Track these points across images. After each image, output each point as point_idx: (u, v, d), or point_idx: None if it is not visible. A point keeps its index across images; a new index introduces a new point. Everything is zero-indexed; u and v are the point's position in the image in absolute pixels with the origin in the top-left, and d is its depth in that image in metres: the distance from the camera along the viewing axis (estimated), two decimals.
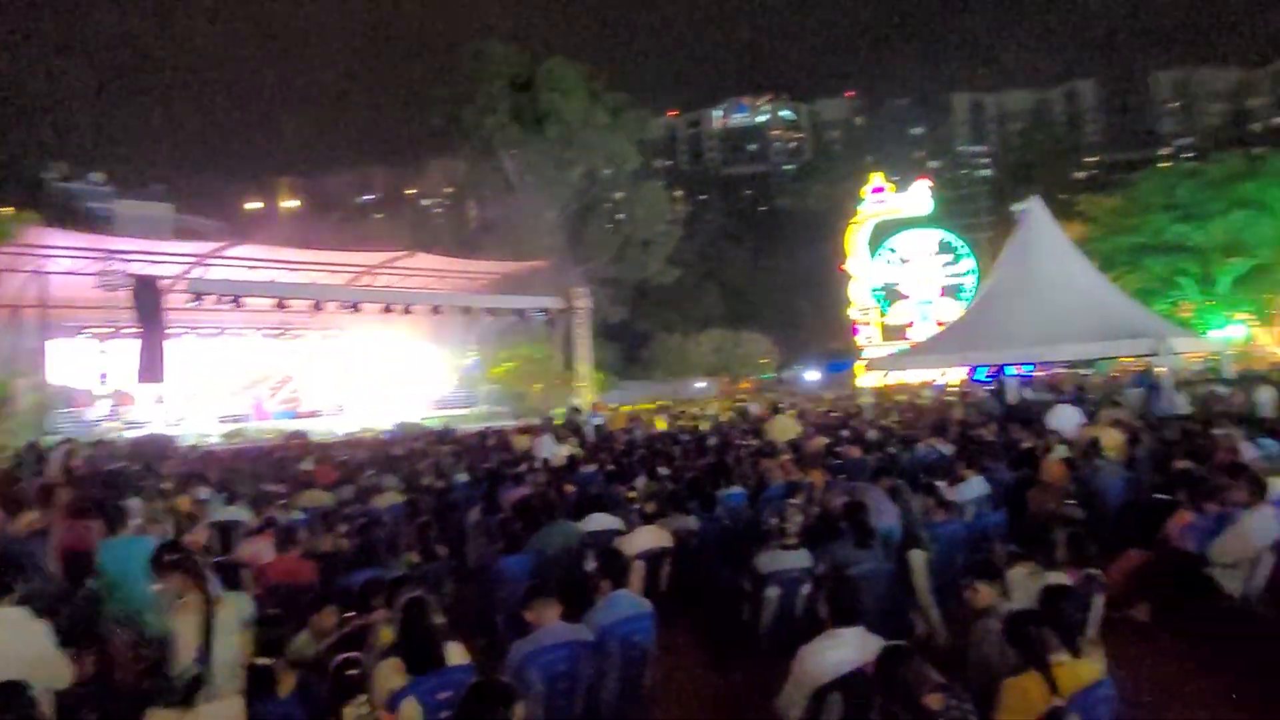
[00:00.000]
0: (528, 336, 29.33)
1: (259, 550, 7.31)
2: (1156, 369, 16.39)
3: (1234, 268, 36.17)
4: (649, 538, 7.09)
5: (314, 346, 29.24)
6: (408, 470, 12.83)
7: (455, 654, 4.46)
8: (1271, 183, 34.81)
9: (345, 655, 4.41)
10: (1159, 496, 7.88)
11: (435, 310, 25.72)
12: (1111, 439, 10.62)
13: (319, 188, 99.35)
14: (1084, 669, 3.81)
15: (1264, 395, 15.85)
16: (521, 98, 40.92)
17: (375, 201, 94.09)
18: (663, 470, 10.65)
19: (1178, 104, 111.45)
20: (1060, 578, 5.04)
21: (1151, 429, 11.86)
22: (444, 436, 18.36)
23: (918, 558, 6.34)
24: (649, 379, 45.94)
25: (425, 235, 37.90)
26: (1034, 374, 23.79)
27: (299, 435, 19.88)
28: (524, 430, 17.89)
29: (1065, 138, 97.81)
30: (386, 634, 4.79)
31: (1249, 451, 9.14)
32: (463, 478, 11.74)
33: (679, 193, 66.99)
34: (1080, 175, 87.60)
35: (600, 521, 7.75)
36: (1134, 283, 35.06)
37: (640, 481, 9.94)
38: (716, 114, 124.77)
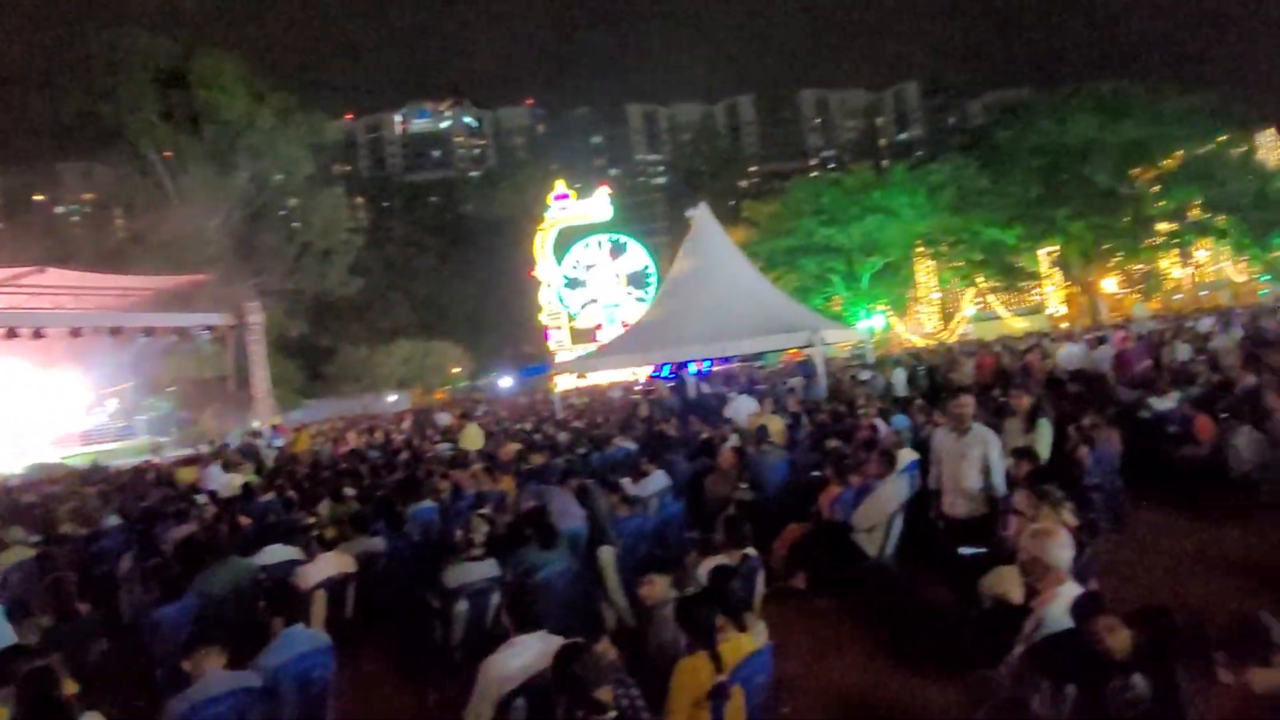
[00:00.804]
0: (194, 357, 26.77)
1: None
2: (814, 358, 18.13)
3: (872, 265, 41.22)
4: (330, 565, 6.68)
5: None
6: (42, 518, 11.16)
7: None
8: (897, 191, 40.16)
9: None
10: (814, 474, 8.74)
11: (75, 333, 22.61)
12: (775, 425, 11.60)
13: None
14: (746, 642, 4.08)
15: (898, 376, 18.10)
16: (174, 94, 37.17)
17: None
18: (349, 491, 10.11)
19: (819, 120, 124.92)
20: (725, 559, 5.39)
21: (808, 413, 13.15)
22: (90, 476, 16.29)
23: (606, 554, 6.51)
24: (336, 395, 43.85)
25: (59, 248, 33.18)
26: (712, 369, 25.54)
27: None
28: (189, 461, 16.31)
29: (730, 148, 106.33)
30: (3, 713, 4.08)
31: (884, 428, 10.34)
32: (114, 521, 10.42)
33: (360, 200, 64.52)
34: (744, 183, 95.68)
35: (277, 554, 7.19)
36: (793, 281, 38.95)
37: (324, 506, 9.37)
38: (397, 119, 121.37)
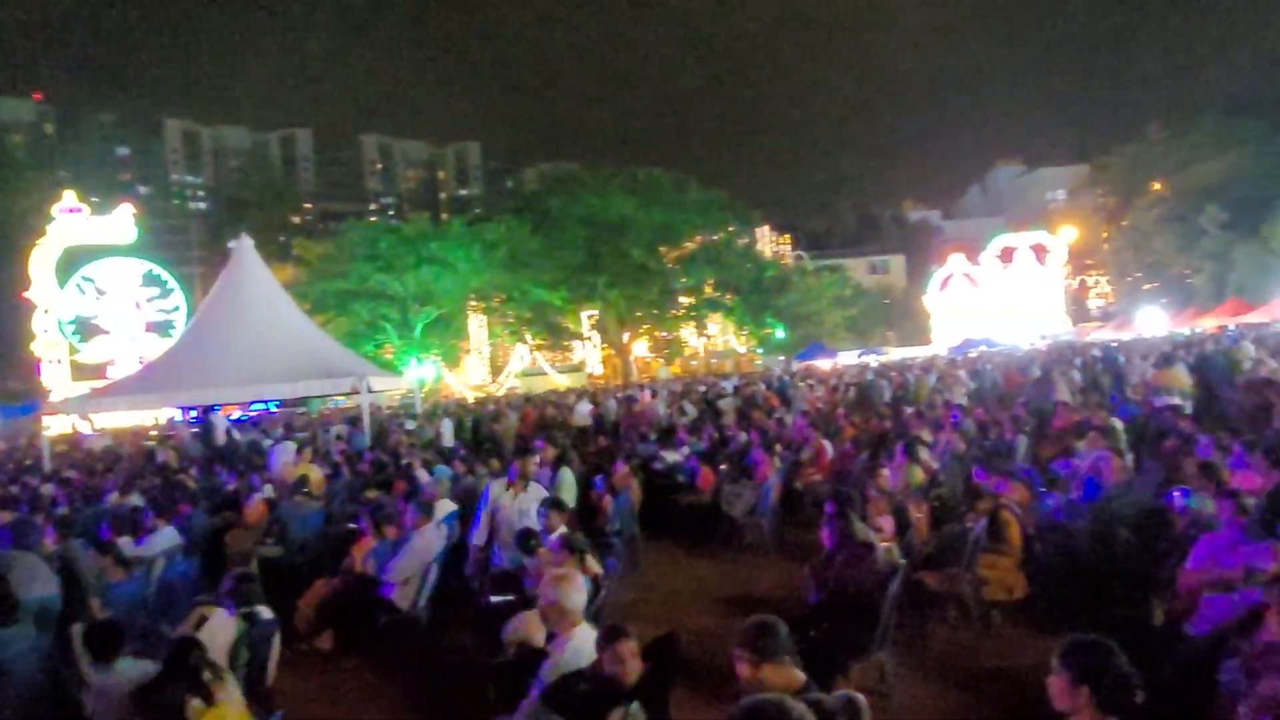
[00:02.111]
0: None
1: None
2: (361, 406, 17.52)
3: (426, 315, 41.38)
4: None
5: None
6: None
7: None
8: (454, 244, 40.96)
9: None
10: (350, 526, 8.33)
11: None
12: (315, 475, 10.94)
13: None
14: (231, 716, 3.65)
15: (445, 426, 18.23)
16: None
17: None
18: None
19: (381, 166, 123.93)
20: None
21: (349, 462, 12.62)
22: None
23: (77, 630, 5.50)
24: None
25: None
26: (251, 415, 23.55)
27: None
28: None
29: (282, 181, 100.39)
30: None
31: (425, 478, 10.22)
32: None
33: None
34: (296, 219, 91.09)
35: None
36: (344, 325, 37.63)
37: None
38: None
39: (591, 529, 7.83)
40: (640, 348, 55.88)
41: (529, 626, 4.88)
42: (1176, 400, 12.12)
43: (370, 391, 17.19)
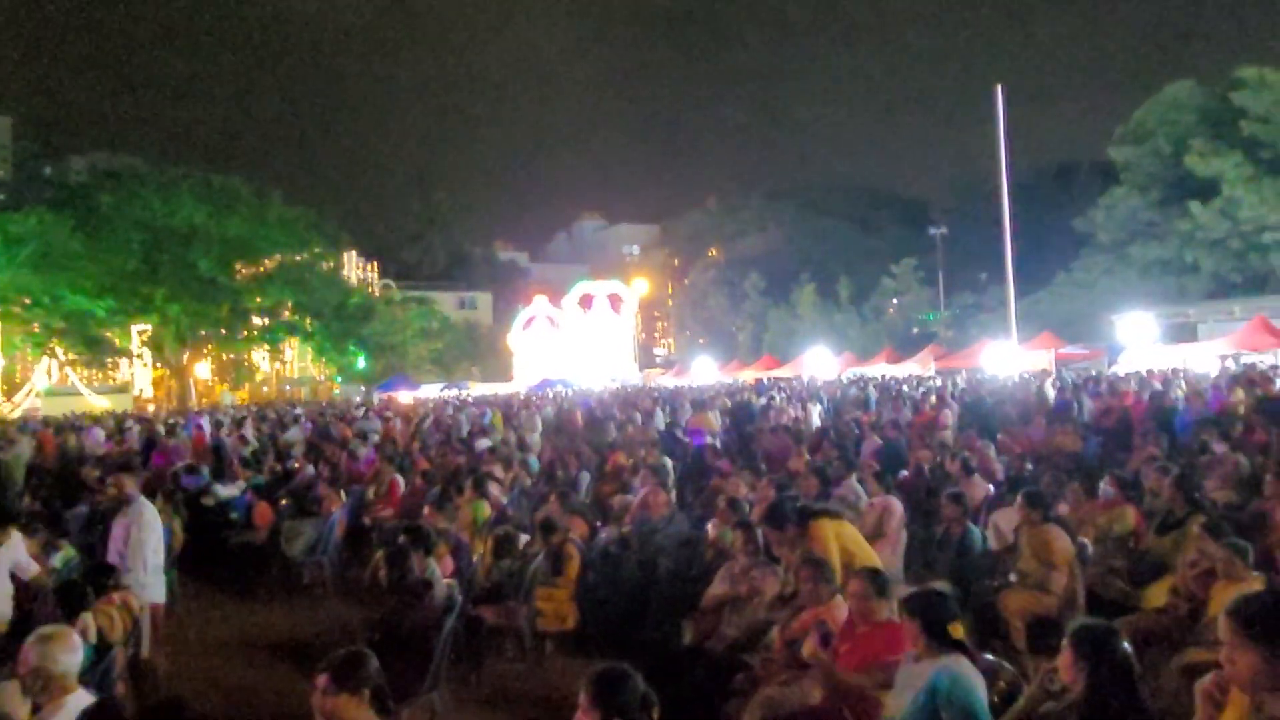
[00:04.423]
0: None
1: None
2: None
3: None
4: None
5: None
6: None
7: None
8: None
9: None
10: None
11: None
12: None
13: None
14: None
15: None
16: None
17: None
18: None
19: None
20: None
21: None
22: None
23: None
24: None
25: None
26: None
27: None
28: None
29: None
30: None
31: None
32: None
33: None
34: None
35: None
36: None
37: None
38: None
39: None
40: (203, 370, 50.68)
41: (7, 698, 4.04)
42: (711, 439, 13.69)
43: None
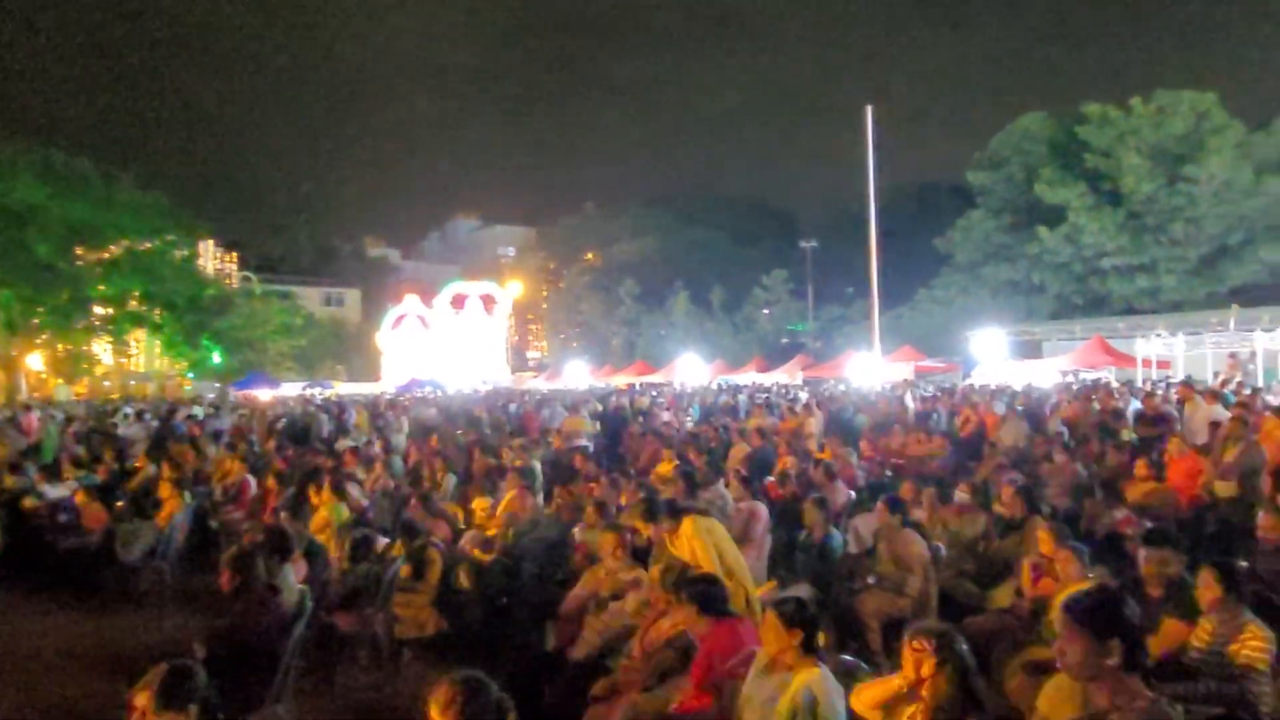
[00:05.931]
0: None
1: None
2: None
3: None
4: None
5: None
6: None
7: None
8: None
9: None
10: None
11: None
12: None
13: None
14: None
15: None
16: None
17: None
18: None
19: None
20: None
21: None
22: None
23: None
24: None
25: None
26: None
27: None
28: None
29: None
30: None
31: None
32: None
33: None
34: None
35: None
36: None
37: None
38: None
39: None
40: (36, 361, 46.92)
41: None
42: (585, 442, 13.60)
43: None
